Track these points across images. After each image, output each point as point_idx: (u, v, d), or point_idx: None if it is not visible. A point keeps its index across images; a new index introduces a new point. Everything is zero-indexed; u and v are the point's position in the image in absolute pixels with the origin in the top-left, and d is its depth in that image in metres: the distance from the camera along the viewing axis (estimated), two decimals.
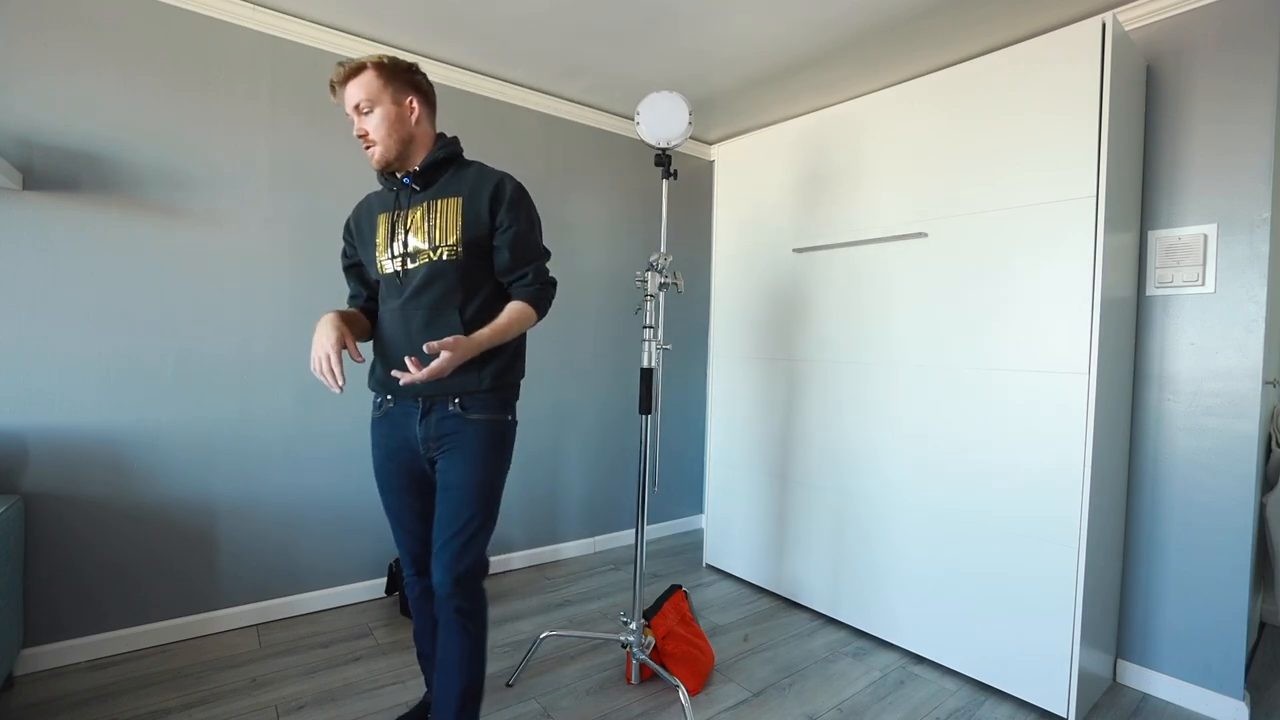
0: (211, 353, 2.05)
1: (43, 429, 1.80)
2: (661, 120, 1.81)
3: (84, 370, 1.86)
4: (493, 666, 1.91)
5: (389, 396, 1.40)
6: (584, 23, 2.12)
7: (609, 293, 2.98)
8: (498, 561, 2.65)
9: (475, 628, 1.34)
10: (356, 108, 1.31)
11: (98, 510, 1.88)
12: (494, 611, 2.29)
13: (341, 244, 1.53)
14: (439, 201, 1.35)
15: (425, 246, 1.34)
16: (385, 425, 1.41)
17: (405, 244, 1.35)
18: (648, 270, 1.75)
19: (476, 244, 1.34)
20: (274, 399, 2.16)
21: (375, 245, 1.40)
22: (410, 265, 1.35)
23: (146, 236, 1.94)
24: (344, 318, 1.35)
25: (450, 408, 1.34)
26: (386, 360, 1.39)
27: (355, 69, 1.30)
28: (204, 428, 2.04)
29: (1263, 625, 2.34)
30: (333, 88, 1.32)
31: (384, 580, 2.40)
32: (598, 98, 2.77)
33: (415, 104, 1.35)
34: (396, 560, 2.32)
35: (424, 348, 1.21)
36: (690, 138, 2.53)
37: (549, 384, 2.80)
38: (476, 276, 1.36)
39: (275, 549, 2.18)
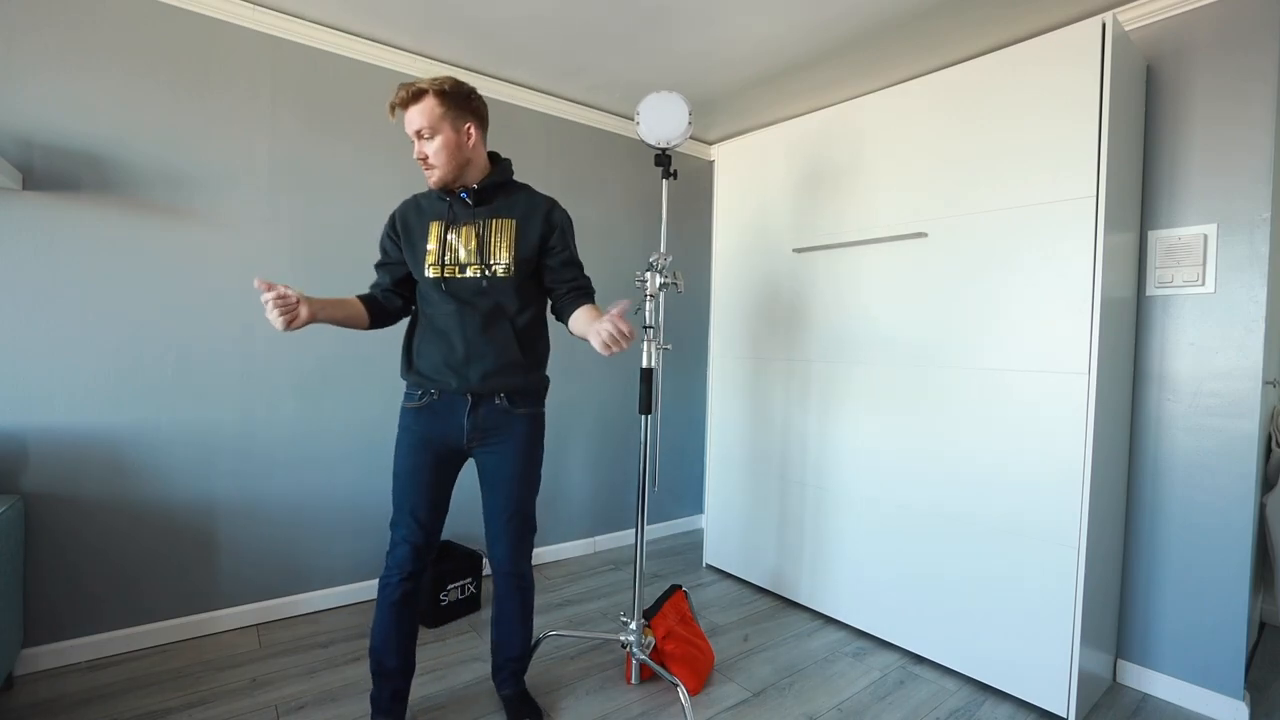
0: (211, 353, 2.05)
1: (43, 429, 1.80)
2: (661, 120, 1.81)
3: (84, 370, 1.86)
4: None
5: (434, 391, 1.47)
6: (584, 23, 2.12)
7: (609, 293, 2.97)
8: None
9: (530, 590, 1.61)
10: (418, 133, 1.39)
11: (98, 510, 1.88)
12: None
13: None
14: (494, 221, 1.47)
15: (478, 261, 1.45)
16: (426, 415, 1.48)
17: (457, 254, 1.46)
18: (648, 270, 1.75)
19: (527, 263, 1.48)
20: (274, 399, 2.16)
21: (427, 250, 1.47)
22: (460, 275, 1.45)
23: (146, 236, 1.94)
24: (328, 300, 1.44)
25: (497, 401, 1.49)
26: (436, 356, 1.47)
27: (417, 94, 1.37)
28: (204, 428, 2.04)
29: (1263, 625, 2.34)
30: (392, 109, 1.40)
31: None
32: (598, 98, 2.77)
33: (473, 130, 1.44)
34: None
35: (616, 326, 1.25)
36: (690, 138, 2.53)
37: (549, 384, 2.80)
38: (527, 291, 1.50)
39: (275, 549, 2.18)
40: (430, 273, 1.46)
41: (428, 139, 1.39)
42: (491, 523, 1.55)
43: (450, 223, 1.47)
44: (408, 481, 1.49)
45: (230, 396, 2.08)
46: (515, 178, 1.55)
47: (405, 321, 1.61)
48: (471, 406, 1.47)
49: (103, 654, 1.90)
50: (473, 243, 1.45)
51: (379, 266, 1.57)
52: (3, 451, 1.75)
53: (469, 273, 1.45)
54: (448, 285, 1.45)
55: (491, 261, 1.45)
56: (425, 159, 1.41)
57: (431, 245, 1.47)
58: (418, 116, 1.37)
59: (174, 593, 2.01)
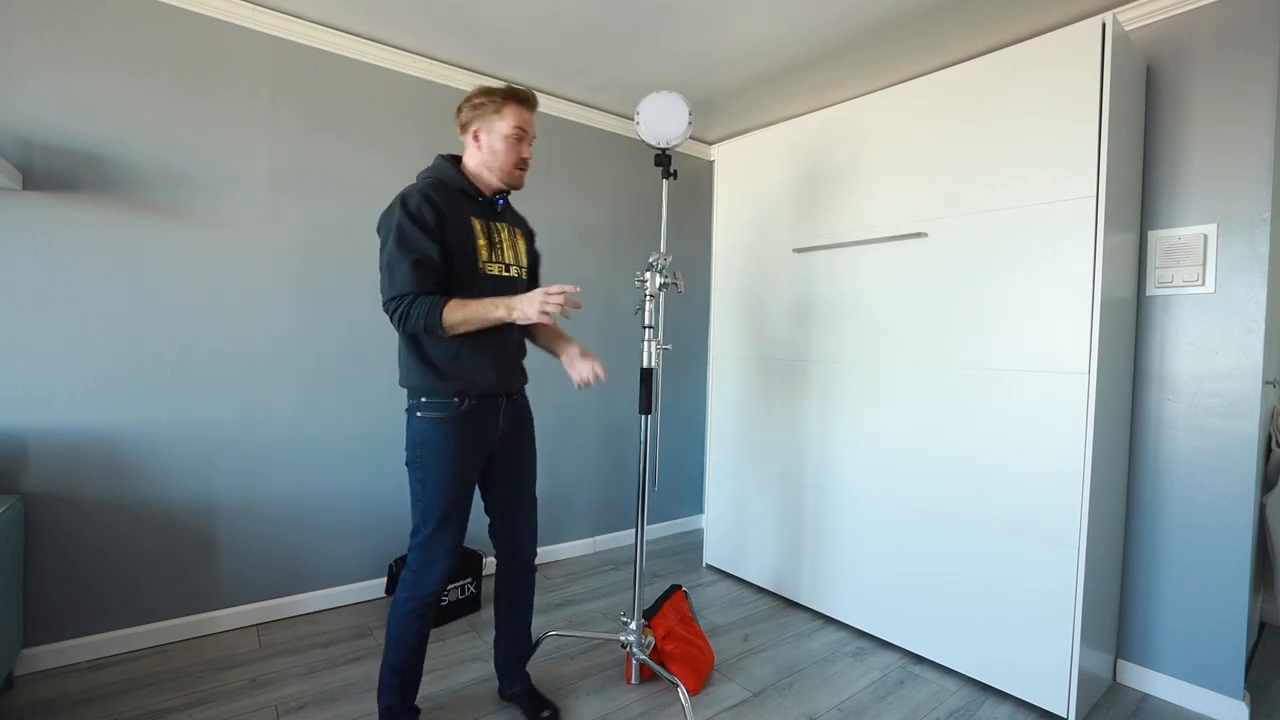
0: (211, 353, 2.05)
1: (43, 429, 1.80)
2: (661, 120, 1.81)
3: (84, 370, 1.86)
4: (492, 667, 1.90)
5: (474, 397, 1.47)
6: (584, 23, 2.12)
7: (609, 293, 2.98)
8: None
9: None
10: (530, 137, 1.53)
11: (98, 510, 1.88)
12: (493, 612, 2.29)
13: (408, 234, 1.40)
14: (515, 229, 1.60)
15: (514, 261, 1.56)
16: (464, 423, 1.46)
17: (504, 254, 1.53)
18: (647, 270, 1.75)
19: (529, 268, 1.64)
20: (274, 399, 2.16)
21: (478, 247, 1.48)
22: (507, 274, 1.53)
23: (146, 236, 1.94)
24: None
25: (517, 398, 1.60)
26: (485, 360, 1.48)
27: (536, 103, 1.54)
28: (204, 428, 2.04)
29: (1263, 625, 2.34)
30: (533, 107, 1.53)
31: (384, 580, 2.40)
32: (598, 98, 2.77)
33: None
34: (396, 560, 2.32)
35: (590, 369, 1.53)
36: (690, 138, 2.52)
37: (549, 384, 2.80)
38: None
39: (275, 549, 2.18)
40: (492, 270, 1.48)
41: (531, 142, 1.53)
42: (515, 515, 1.62)
43: (490, 221, 1.52)
44: (462, 491, 1.47)
45: (230, 396, 2.08)
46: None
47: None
48: (506, 406, 1.54)
49: (103, 654, 1.90)
50: (510, 247, 1.55)
51: (427, 270, 1.37)
52: (3, 451, 1.75)
53: (512, 272, 1.54)
54: (506, 285, 1.51)
55: (521, 264, 1.59)
56: (528, 160, 1.54)
57: (481, 242, 1.47)
58: (534, 122, 1.53)
59: (174, 593, 2.01)
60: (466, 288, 1.42)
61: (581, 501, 2.96)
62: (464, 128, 1.51)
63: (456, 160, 1.53)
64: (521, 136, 1.49)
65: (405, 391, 1.49)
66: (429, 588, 1.44)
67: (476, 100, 1.49)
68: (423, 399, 1.44)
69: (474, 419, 1.47)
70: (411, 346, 1.44)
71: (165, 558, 1.99)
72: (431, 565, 1.44)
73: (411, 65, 2.38)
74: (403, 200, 1.39)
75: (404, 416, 1.49)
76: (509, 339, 1.53)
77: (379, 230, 1.43)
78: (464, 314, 1.36)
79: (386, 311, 1.39)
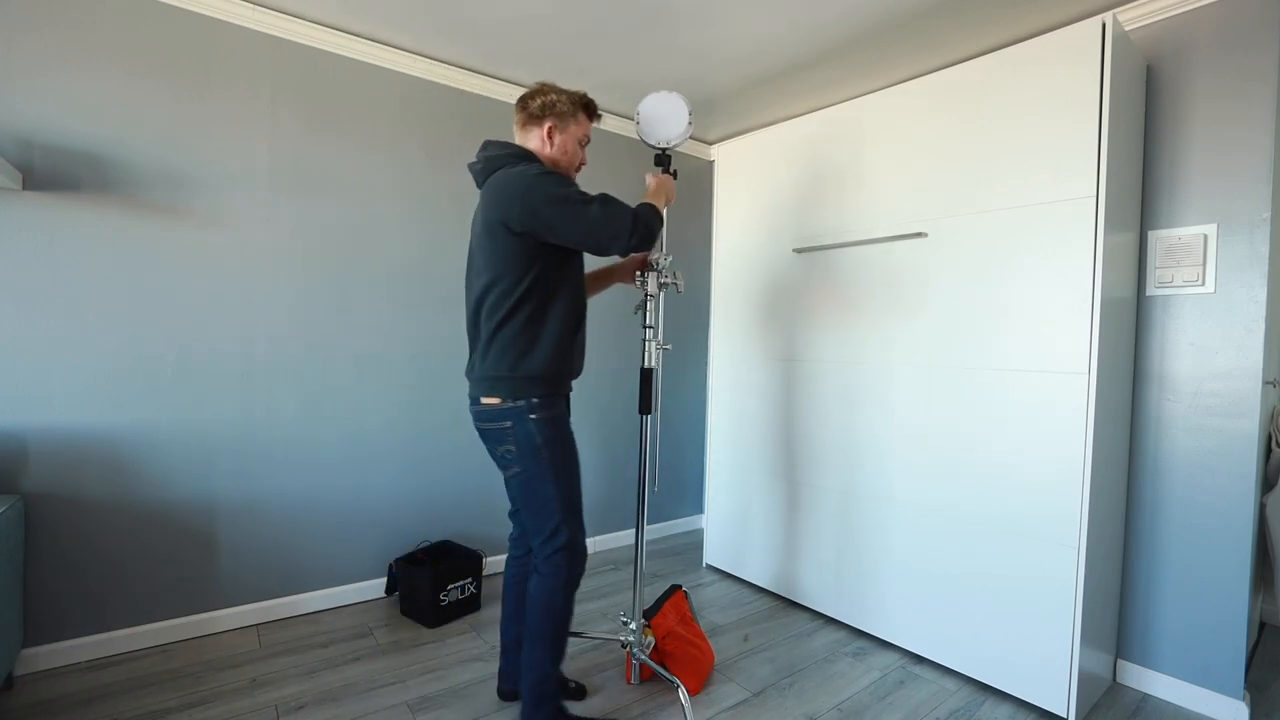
0: (211, 353, 2.05)
1: (43, 429, 1.80)
2: (661, 120, 1.81)
3: (84, 370, 1.86)
4: (492, 667, 1.91)
5: (568, 392, 1.59)
6: (584, 23, 2.12)
7: (609, 292, 2.97)
8: (498, 561, 2.65)
9: None
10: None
11: (98, 510, 1.88)
12: (493, 612, 2.29)
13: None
14: None
15: None
16: (568, 414, 1.58)
17: None
18: (648, 270, 1.75)
19: None
20: (274, 399, 2.16)
21: None
22: None
23: (147, 237, 1.94)
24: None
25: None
26: (580, 355, 1.59)
27: None
28: (204, 428, 2.04)
29: (1263, 625, 2.34)
30: (598, 119, 1.63)
31: (384, 580, 2.40)
32: (598, 98, 2.77)
33: None
34: (396, 560, 2.32)
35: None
36: (690, 138, 2.52)
37: None
38: None
39: (275, 549, 2.18)
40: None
41: None
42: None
43: None
44: (579, 482, 1.56)
45: (230, 396, 2.08)
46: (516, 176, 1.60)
47: (523, 323, 1.46)
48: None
49: (103, 654, 1.90)
50: None
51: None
52: (3, 451, 1.75)
53: None
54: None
55: None
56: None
57: None
58: None
59: (174, 593, 2.01)
60: (574, 262, 1.54)
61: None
62: (534, 119, 1.54)
63: (528, 151, 1.54)
64: (586, 143, 1.60)
65: (497, 399, 1.47)
66: (580, 573, 1.54)
67: (555, 98, 1.54)
68: (534, 399, 1.46)
69: (568, 409, 1.59)
70: (528, 348, 1.46)
71: (165, 558, 1.99)
72: (580, 556, 1.53)
73: (411, 65, 2.38)
74: (543, 172, 1.45)
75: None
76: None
77: (533, 202, 1.40)
78: (657, 205, 1.56)
79: (631, 239, 1.41)
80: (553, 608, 1.50)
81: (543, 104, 1.53)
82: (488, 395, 1.48)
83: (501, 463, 1.54)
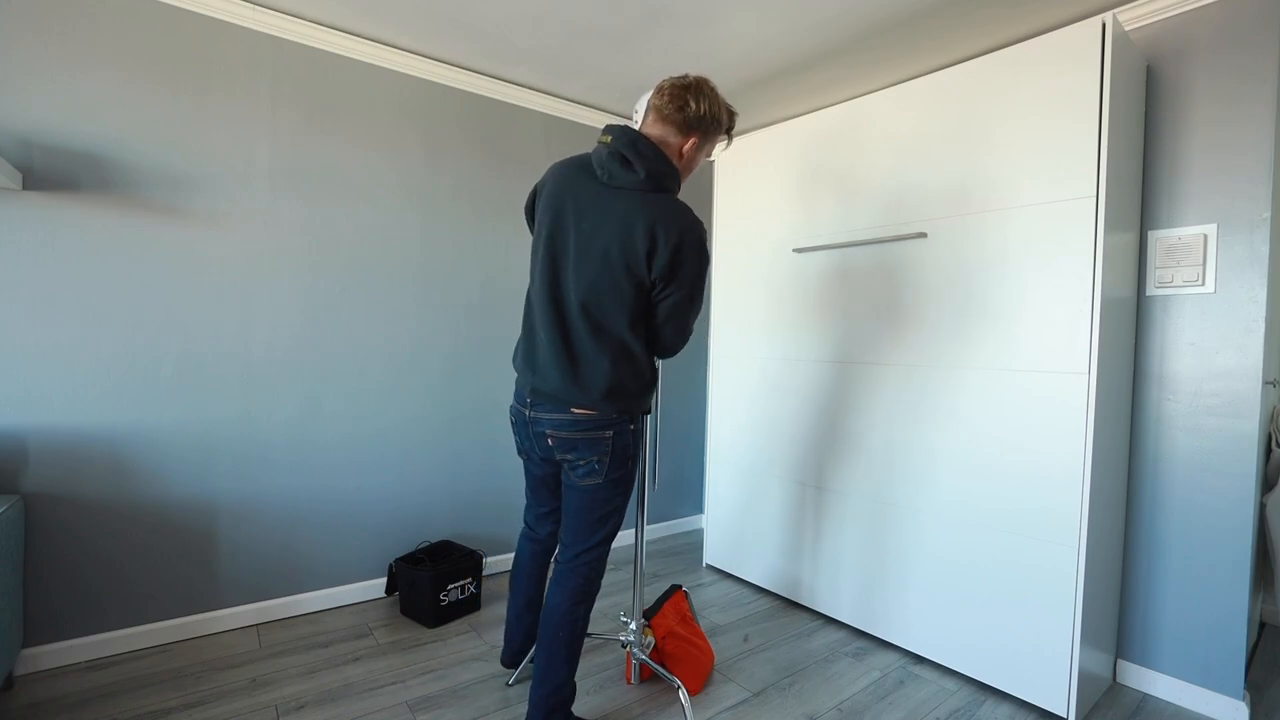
0: (211, 353, 2.05)
1: (43, 429, 1.80)
2: None
3: (84, 370, 1.86)
4: (493, 667, 1.91)
5: None
6: (584, 23, 2.12)
7: None
8: (498, 561, 2.65)
9: None
10: None
11: (98, 510, 1.88)
12: (493, 611, 2.29)
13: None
14: None
15: None
16: None
17: None
18: None
19: None
20: (274, 399, 2.16)
21: None
22: None
23: (147, 237, 1.94)
24: None
25: None
26: None
27: None
28: (204, 428, 2.04)
29: (1263, 625, 2.34)
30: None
31: (384, 580, 2.40)
32: (598, 98, 2.77)
33: None
34: (396, 560, 2.32)
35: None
36: None
37: None
38: None
39: (275, 549, 2.18)
40: None
41: None
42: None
43: None
44: None
45: (230, 396, 2.08)
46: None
47: (644, 342, 1.50)
48: None
49: (103, 654, 1.90)
50: None
51: None
52: (3, 451, 1.75)
53: None
54: None
55: None
56: None
57: None
58: None
59: (174, 593, 2.01)
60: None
61: None
62: (687, 127, 1.44)
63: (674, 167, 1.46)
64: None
65: (593, 410, 1.44)
66: (601, 582, 1.58)
67: (715, 112, 1.47)
68: (640, 415, 1.55)
69: None
70: (646, 366, 1.52)
71: (165, 558, 1.99)
72: (605, 562, 1.58)
73: (412, 65, 2.38)
74: (704, 247, 1.44)
75: (504, 425, 1.53)
76: None
77: (684, 251, 1.39)
78: None
79: (685, 341, 1.53)
80: (574, 618, 1.52)
81: (700, 115, 1.43)
82: (582, 405, 1.43)
83: (579, 473, 1.49)
